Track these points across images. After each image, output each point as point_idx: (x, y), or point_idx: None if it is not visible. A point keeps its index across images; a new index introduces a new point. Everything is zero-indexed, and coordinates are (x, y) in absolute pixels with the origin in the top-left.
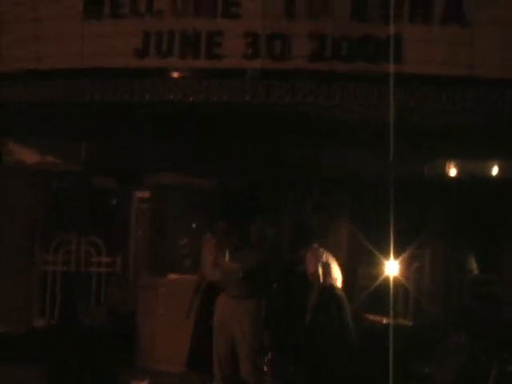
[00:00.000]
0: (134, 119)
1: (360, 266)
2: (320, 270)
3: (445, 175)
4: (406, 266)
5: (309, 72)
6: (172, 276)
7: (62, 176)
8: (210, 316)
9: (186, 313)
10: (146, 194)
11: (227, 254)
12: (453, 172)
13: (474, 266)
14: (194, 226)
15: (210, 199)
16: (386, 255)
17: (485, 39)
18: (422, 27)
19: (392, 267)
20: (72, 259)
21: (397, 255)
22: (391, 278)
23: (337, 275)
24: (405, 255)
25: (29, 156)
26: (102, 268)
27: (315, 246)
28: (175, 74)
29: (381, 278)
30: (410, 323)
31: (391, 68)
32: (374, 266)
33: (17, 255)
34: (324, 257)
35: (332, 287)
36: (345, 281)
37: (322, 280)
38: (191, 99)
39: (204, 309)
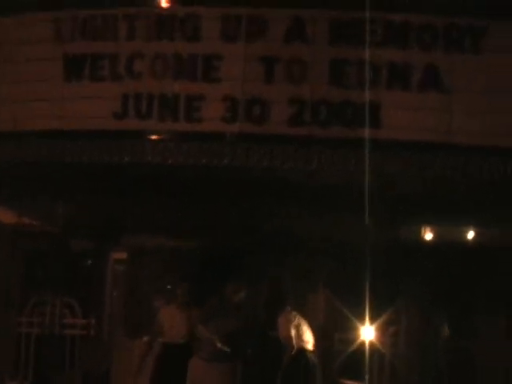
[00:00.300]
0: (112, 181)
1: (336, 331)
2: (292, 334)
3: (421, 241)
4: (382, 331)
5: (287, 137)
6: (147, 338)
7: (38, 236)
8: (168, 376)
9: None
10: (122, 256)
11: (202, 320)
12: (429, 237)
13: (449, 331)
14: (169, 287)
15: (185, 261)
16: (362, 320)
17: (463, 106)
18: (401, 93)
19: (368, 332)
20: (47, 321)
21: (373, 320)
22: (367, 343)
23: (309, 339)
24: (381, 320)
25: (6, 216)
26: (77, 330)
27: (288, 309)
28: (154, 137)
29: (357, 343)
30: None
31: (369, 133)
32: (350, 330)
33: None
34: (296, 320)
35: (304, 351)
36: (321, 345)
37: (294, 344)
38: (170, 162)
39: (160, 369)
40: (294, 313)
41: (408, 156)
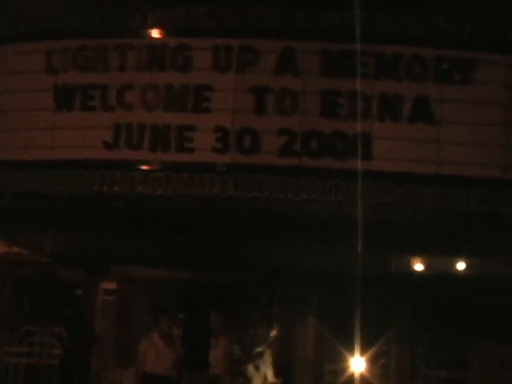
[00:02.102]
0: (102, 211)
1: (326, 363)
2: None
3: (412, 271)
4: (372, 363)
5: (277, 167)
6: (135, 368)
7: (27, 266)
8: None
9: None
10: (111, 286)
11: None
12: (419, 268)
13: (440, 363)
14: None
15: (175, 292)
16: (352, 351)
17: (452, 137)
18: (391, 124)
19: (358, 363)
20: (36, 351)
21: (363, 351)
22: (357, 375)
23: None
24: (371, 352)
25: None
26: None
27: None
28: (145, 167)
29: (346, 375)
30: None
31: (359, 164)
32: (340, 361)
33: None
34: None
35: None
36: (311, 376)
37: None
38: (159, 192)
39: None
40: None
41: (398, 187)
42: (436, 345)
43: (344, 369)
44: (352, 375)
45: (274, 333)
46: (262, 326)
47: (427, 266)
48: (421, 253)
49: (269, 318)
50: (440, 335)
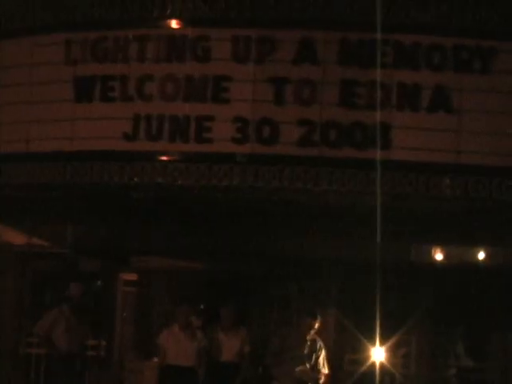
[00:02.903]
0: (122, 202)
1: (346, 352)
2: None
3: (431, 260)
4: (393, 352)
5: (297, 157)
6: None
7: (48, 258)
8: None
9: None
10: (132, 277)
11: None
12: (439, 257)
13: (460, 352)
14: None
15: (195, 283)
16: (372, 341)
17: (472, 126)
18: (410, 114)
19: (378, 353)
20: None
21: (383, 341)
22: (377, 364)
23: None
24: (391, 341)
25: (16, 237)
26: (87, 351)
27: None
28: (164, 158)
29: (367, 364)
30: None
31: (378, 154)
32: (360, 351)
33: (0, 337)
34: None
35: None
36: (331, 366)
37: None
38: (179, 183)
39: None
40: None
41: (417, 176)
42: (457, 334)
43: (364, 358)
44: (372, 365)
45: (318, 324)
46: (306, 319)
47: (447, 256)
48: (441, 242)
49: (313, 311)
50: (460, 325)
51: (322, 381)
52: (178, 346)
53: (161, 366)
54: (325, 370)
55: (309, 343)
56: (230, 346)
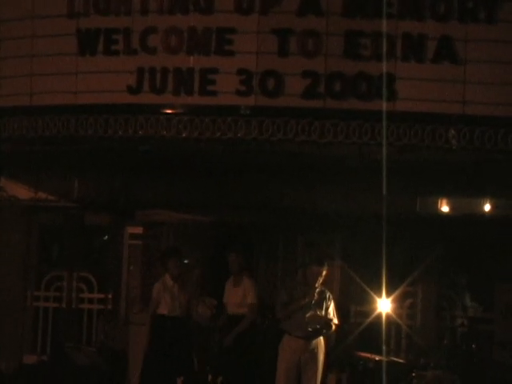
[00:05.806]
0: (127, 155)
1: (352, 304)
2: None
3: (437, 212)
4: (399, 304)
5: (302, 109)
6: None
7: (54, 212)
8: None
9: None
10: (138, 230)
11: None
12: (445, 209)
13: (466, 303)
14: (186, 262)
15: (202, 235)
16: (379, 293)
17: (477, 77)
18: (415, 65)
19: (384, 304)
20: (63, 295)
21: (389, 292)
22: (384, 316)
23: None
24: (397, 292)
25: (21, 192)
26: (94, 304)
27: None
28: (169, 111)
29: (373, 316)
30: (403, 361)
31: (384, 105)
32: (367, 303)
33: (8, 291)
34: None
35: None
36: (337, 318)
37: None
38: (184, 135)
39: (153, 342)
40: None
41: (423, 127)
42: (462, 285)
43: (371, 310)
44: (379, 316)
45: (325, 272)
46: (313, 267)
47: (453, 207)
48: (446, 193)
49: (320, 259)
50: (466, 276)
51: (333, 328)
52: (171, 296)
53: (152, 316)
54: (335, 320)
55: (317, 292)
56: (235, 296)
